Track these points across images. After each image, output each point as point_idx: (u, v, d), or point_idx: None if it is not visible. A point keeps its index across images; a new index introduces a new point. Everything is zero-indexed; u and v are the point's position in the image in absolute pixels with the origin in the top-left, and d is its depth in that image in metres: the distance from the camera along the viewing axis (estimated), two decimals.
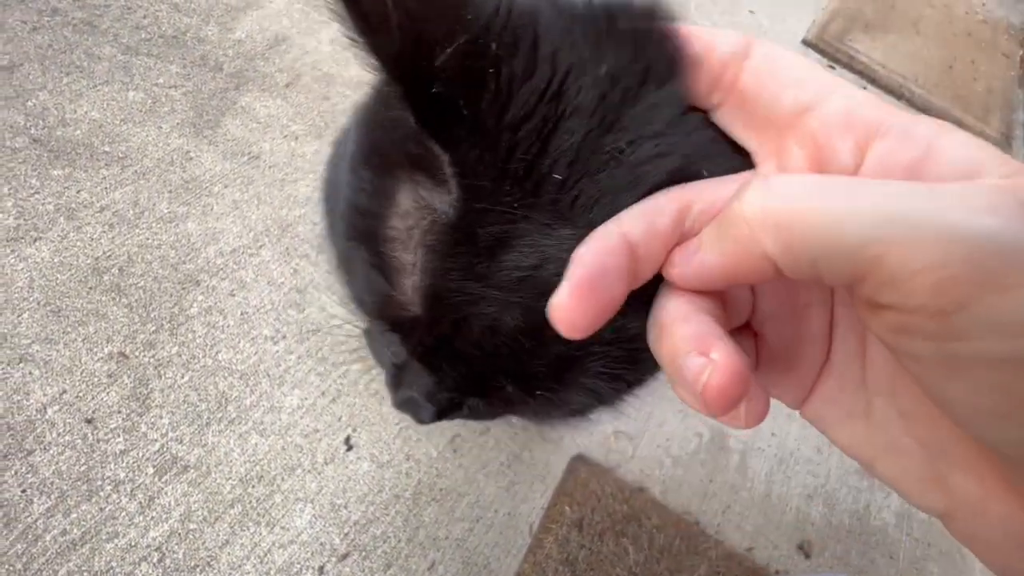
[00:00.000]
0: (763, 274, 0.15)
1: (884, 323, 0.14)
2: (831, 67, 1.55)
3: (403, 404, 0.26)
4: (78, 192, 0.82)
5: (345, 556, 0.63)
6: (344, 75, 1.10)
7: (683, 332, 0.16)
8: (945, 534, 0.81)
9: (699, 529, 0.72)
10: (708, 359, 0.15)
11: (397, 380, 0.26)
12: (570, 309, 0.16)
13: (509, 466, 0.73)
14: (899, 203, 0.12)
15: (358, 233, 0.23)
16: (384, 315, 0.23)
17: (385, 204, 0.21)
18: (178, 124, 0.94)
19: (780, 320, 0.20)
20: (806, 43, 1.58)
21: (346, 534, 0.64)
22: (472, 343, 0.20)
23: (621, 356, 0.21)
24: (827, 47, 1.56)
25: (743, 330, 0.21)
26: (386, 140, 0.22)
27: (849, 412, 0.19)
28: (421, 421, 0.26)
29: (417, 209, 0.20)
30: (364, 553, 0.64)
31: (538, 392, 0.22)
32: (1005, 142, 1.50)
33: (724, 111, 0.20)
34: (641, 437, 0.79)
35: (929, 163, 0.15)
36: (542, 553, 0.66)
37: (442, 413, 0.26)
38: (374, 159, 0.22)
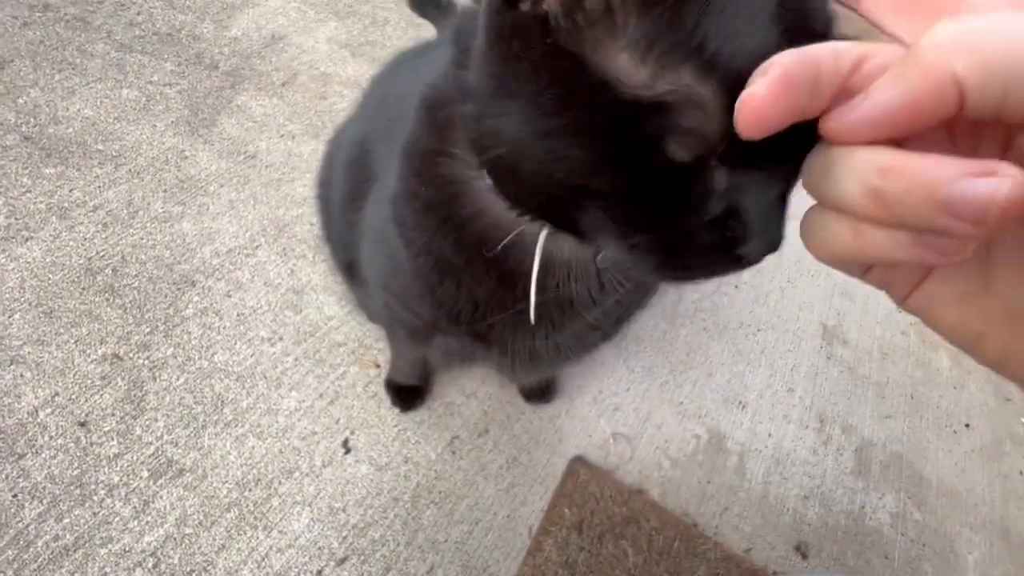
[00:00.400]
0: (944, 107, 0.15)
1: None
2: None
3: (760, 236, 0.23)
4: (71, 191, 0.81)
5: (343, 560, 0.62)
6: (341, 74, 1.09)
7: (930, 164, 0.15)
8: (940, 534, 0.82)
9: (697, 531, 0.72)
10: (997, 177, 0.14)
11: (738, 230, 0.23)
12: (763, 104, 0.17)
13: (508, 468, 0.72)
14: None
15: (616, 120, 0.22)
16: (714, 146, 0.21)
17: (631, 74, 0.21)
18: (173, 122, 0.93)
19: None
20: None
21: (344, 538, 0.64)
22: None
23: None
24: None
25: None
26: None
27: (964, 289, 0.19)
28: (778, 240, 0.23)
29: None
30: (363, 557, 0.63)
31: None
32: None
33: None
34: (640, 439, 0.79)
35: None
36: (541, 556, 0.65)
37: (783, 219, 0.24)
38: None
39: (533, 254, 0.33)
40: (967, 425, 0.95)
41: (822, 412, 0.89)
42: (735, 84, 0.18)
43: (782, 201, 0.23)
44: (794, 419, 0.88)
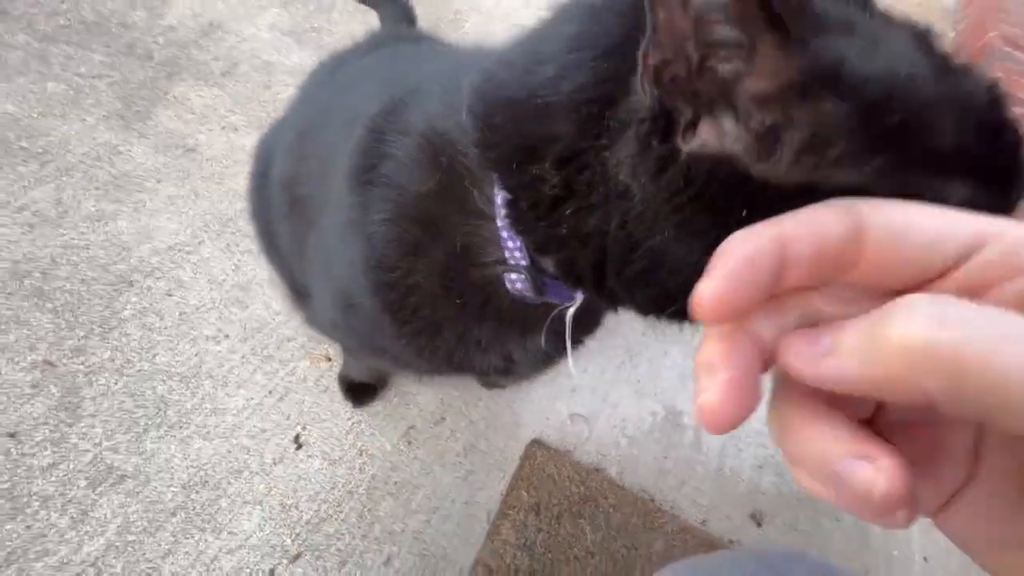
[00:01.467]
0: (910, 402, 0.13)
1: None
2: None
3: None
4: None
5: (297, 557, 0.61)
6: (285, 63, 1.06)
7: (831, 433, 0.15)
8: None
9: (655, 506, 0.74)
10: (875, 464, 0.13)
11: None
12: (715, 302, 0.15)
13: (466, 455, 0.72)
14: None
15: None
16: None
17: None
18: (104, 116, 0.88)
19: (913, 427, 0.18)
20: None
21: (298, 534, 0.63)
22: None
23: None
24: None
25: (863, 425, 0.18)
26: None
27: (1000, 538, 0.17)
28: None
29: None
30: (317, 553, 0.62)
31: None
32: None
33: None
34: (597, 419, 0.80)
35: None
36: (499, 539, 0.66)
37: None
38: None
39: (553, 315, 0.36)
40: None
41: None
42: None
43: None
44: None
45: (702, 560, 0.39)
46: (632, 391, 0.84)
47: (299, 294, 0.61)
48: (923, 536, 0.82)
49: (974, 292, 0.14)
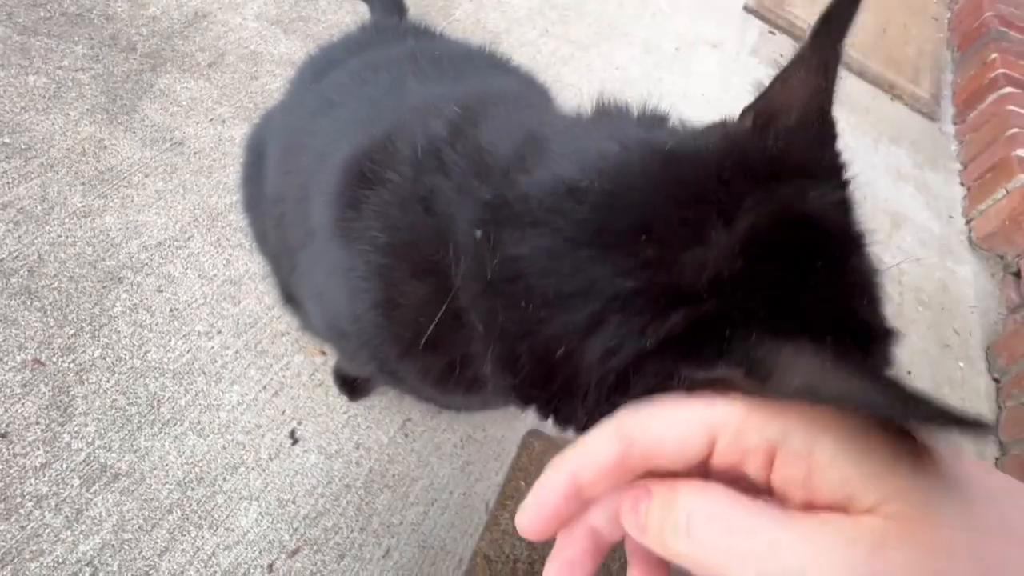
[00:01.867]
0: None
1: None
2: (771, 33, 1.57)
3: None
4: None
5: (295, 551, 0.61)
6: (273, 53, 1.04)
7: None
8: None
9: None
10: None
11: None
12: (533, 529, 0.21)
13: (463, 447, 0.72)
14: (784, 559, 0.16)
15: None
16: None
17: None
18: (88, 110, 0.87)
19: None
20: (747, 9, 1.59)
21: (295, 529, 0.62)
22: None
23: None
24: (768, 13, 1.58)
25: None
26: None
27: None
28: None
29: None
30: (315, 547, 0.62)
31: None
32: (935, 101, 1.56)
33: None
34: None
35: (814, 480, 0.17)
36: (498, 530, 0.66)
37: None
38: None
39: None
40: (909, 372, 0.99)
41: None
42: None
43: None
44: None
45: None
46: None
47: (291, 298, 0.60)
48: None
49: (734, 473, 0.19)
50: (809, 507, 0.17)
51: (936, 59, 1.69)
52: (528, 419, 0.76)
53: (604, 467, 0.19)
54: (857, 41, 1.58)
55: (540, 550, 0.65)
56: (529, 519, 0.20)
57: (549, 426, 0.76)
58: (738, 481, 0.18)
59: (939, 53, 1.72)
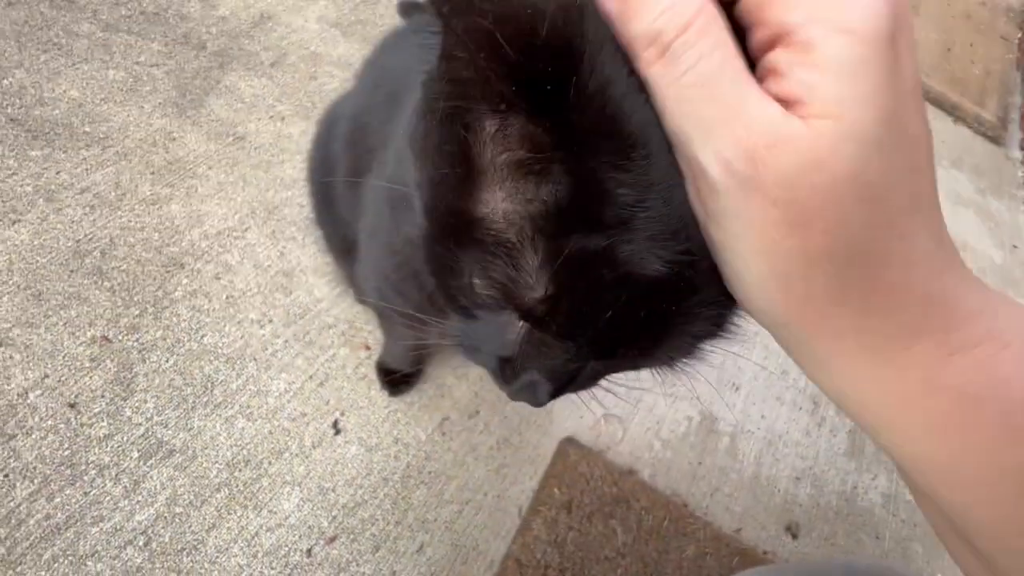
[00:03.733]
0: None
1: None
2: None
3: (521, 390, 0.27)
4: (57, 173, 0.80)
5: (333, 539, 0.63)
6: (332, 54, 1.07)
7: None
8: None
9: (688, 511, 0.73)
10: None
11: (510, 372, 0.27)
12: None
13: (499, 449, 0.73)
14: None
15: (454, 234, 0.23)
16: (512, 301, 0.23)
17: (476, 209, 0.22)
18: (160, 104, 0.92)
19: None
20: None
21: (334, 517, 0.64)
22: (602, 308, 0.21)
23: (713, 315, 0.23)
24: None
25: None
26: (461, 154, 0.22)
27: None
28: (539, 403, 0.27)
29: (523, 202, 0.21)
30: (352, 536, 0.63)
31: (656, 347, 0.24)
32: (1001, 125, 1.49)
33: None
34: (631, 420, 0.79)
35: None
36: (531, 535, 0.66)
37: (559, 390, 0.27)
38: (459, 167, 0.22)
39: None
40: None
41: (816, 394, 0.89)
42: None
43: (563, 375, 0.26)
44: (787, 401, 0.87)
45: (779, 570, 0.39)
46: (667, 394, 0.83)
47: (351, 253, 0.62)
48: None
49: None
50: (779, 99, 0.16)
51: (1004, 81, 1.61)
52: (565, 426, 0.76)
53: None
54: (919, 60, 1.53)
55: (572, 558, 0.65)
56: None
57: (585, 435, 0.76)
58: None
59: (1008, 74, 1.64)
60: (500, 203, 0.21)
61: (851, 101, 0.15)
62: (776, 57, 0.16)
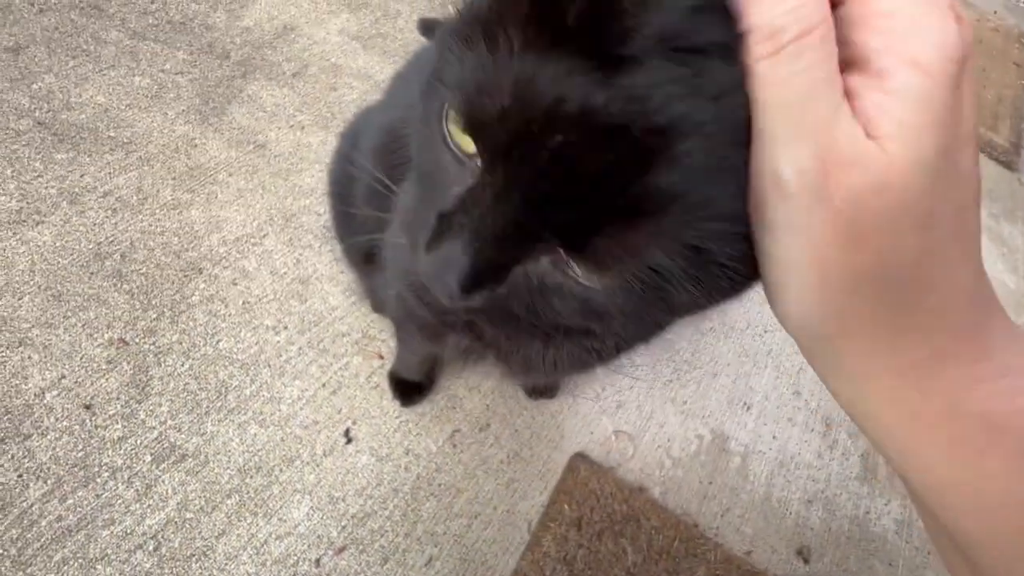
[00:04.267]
0: None
1: None
2: None
3: (434, 263, 0.22)
4: (81, 176, 0.82)
5: (342, 549, 0.63)
6: (351, 66, 1.09)
7: None
8: None
9: (698, 531, 0.72)
10: None
11: (434, 239, 0.22)
12: None
13: (509, 463, 0.72)
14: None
15: (474, 18, 0.21)
16: (472, 105, 0.20)
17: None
18: (184, 111, 0.93)
19: None
20: None
21: (344, 527, 0.64)
22: (557, 145, 0.18)
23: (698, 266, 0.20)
24: None
25: None
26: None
27: None
28: (447, 288, 0.21)
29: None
30: (361, 547, 0.63)
31: (600, 249, 0.20)
32: (1014, 150, 1.49)
33: None
34: (641, 437, 0.79)
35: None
36: (540, 551, 0.65)
37: (476, 277, 0.21)
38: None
39: None
40: None
41: (828, 416, 0.88)
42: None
43: (489, 254, 0.21)
44: (799, 422, 0.87)
45: None
46: (678, 411, 0.82)
47: (370, 260, 0.62)
48: None
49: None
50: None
51: (1016, 106, 1.61)
52: (576, 441, 0.76)
53: None
54: None
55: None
56: None
57: (596, 451, 0.76)
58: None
59: (1020, 100, 1.64)
60: None
61: (918, 130, 0.16)
62: (852, 80, 0.17)
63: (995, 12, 1.89)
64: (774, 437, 0.84)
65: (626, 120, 0.17)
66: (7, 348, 0.66)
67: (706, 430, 0.82)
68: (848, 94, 0.17)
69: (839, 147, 0.16)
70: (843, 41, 0.17)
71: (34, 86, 0.89)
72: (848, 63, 0.17)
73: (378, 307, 0.77)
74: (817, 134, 0.16)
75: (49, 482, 0.60)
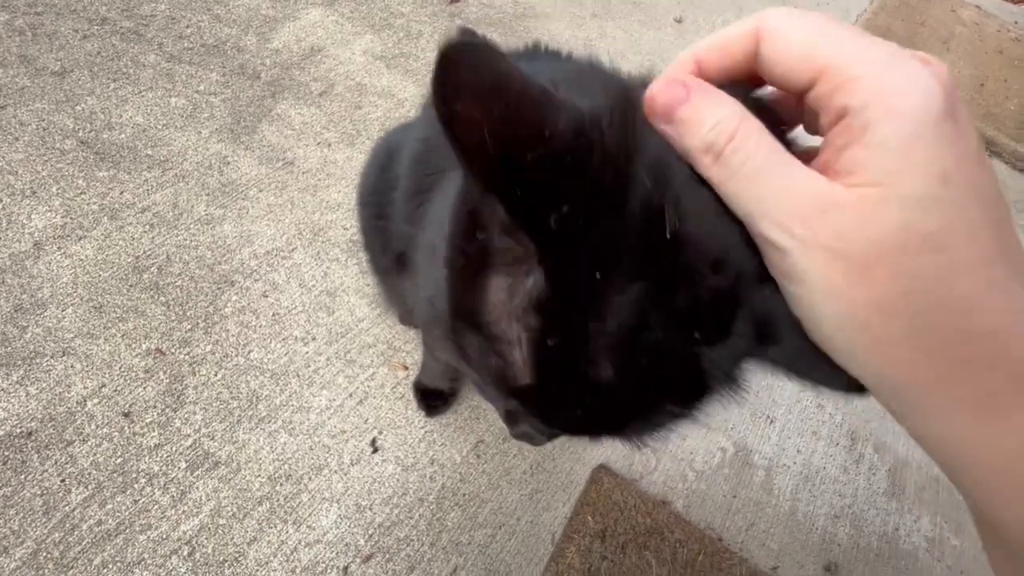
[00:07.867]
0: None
1: None
2: None
3: (520, 436, 0.32)
4: (121, 193, 0.85)
5: (369, 557, 0.63)
6: (376, 85, 1.13)
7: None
8: (979, 562, 0.78)
9: (723, 545, 0.71)
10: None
11: (513, 418, 0.32)
12: (664, 90, 0.21)
13: (532, 474, 0.73)
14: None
15: (463, 314, 0.27)
16: (501, 386, 0.26)
17: (479, 295, 0.25)
18: (217, 130, 0.97)
19: None
20: None
21: (371, 535, 0.65)
22: (578, 399, 0.24)
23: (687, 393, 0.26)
24: None
25: None
26: (467, 237, 0.25)
27: None
28: (537, 444, 0.33)
29: (510, 295, 0.24)
30: (388, 555, 0.64)
31: (626, 430, 0.28)
32: None
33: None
34: (664, 450, 0.79)
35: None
36: (564, 563, 0.65)
37: (552, 438, 0.32)
38: (459, 259, 0.26)
39: None
40: None
41: (854, 430, 0.87)
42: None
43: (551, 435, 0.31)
44: (824, 436, 0.86)
45: None
46: (700, 424, 0.82)
47: (400, 265, 0.63)
48: None
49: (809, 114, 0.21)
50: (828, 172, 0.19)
51: None
52: (599, 453, 0.76)
53: (727, 39, 0.21)
54: None
55: None
56: (660, 87, 0.21)
57: (619, 463, 0.76)
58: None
59: None
60: (495, 293, 0.24)
61: (897, 173, 0.17)
62: (835, 134, 0.19)
63: (1016, 23, 1.88)
64: (798, 451, 0.83)
65: None
66: (52, 358, 0.69)
67: (729, 443, 0.81)
68: (833, 147, 0.19)
69: (808, 200, 0.18)
70: (827, 107, 0.19)
71: (78, 107, 0.93)
72: (836, 120, 0.19)
73: (405, 319, 0.78)
74: (782, 198, 0.18)
75: (90, 487, 0.62)
